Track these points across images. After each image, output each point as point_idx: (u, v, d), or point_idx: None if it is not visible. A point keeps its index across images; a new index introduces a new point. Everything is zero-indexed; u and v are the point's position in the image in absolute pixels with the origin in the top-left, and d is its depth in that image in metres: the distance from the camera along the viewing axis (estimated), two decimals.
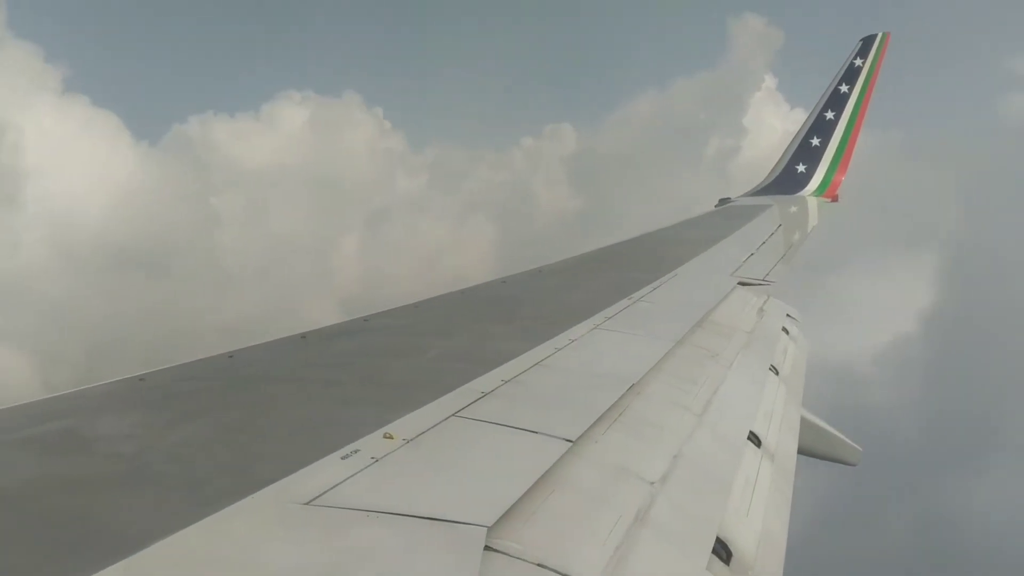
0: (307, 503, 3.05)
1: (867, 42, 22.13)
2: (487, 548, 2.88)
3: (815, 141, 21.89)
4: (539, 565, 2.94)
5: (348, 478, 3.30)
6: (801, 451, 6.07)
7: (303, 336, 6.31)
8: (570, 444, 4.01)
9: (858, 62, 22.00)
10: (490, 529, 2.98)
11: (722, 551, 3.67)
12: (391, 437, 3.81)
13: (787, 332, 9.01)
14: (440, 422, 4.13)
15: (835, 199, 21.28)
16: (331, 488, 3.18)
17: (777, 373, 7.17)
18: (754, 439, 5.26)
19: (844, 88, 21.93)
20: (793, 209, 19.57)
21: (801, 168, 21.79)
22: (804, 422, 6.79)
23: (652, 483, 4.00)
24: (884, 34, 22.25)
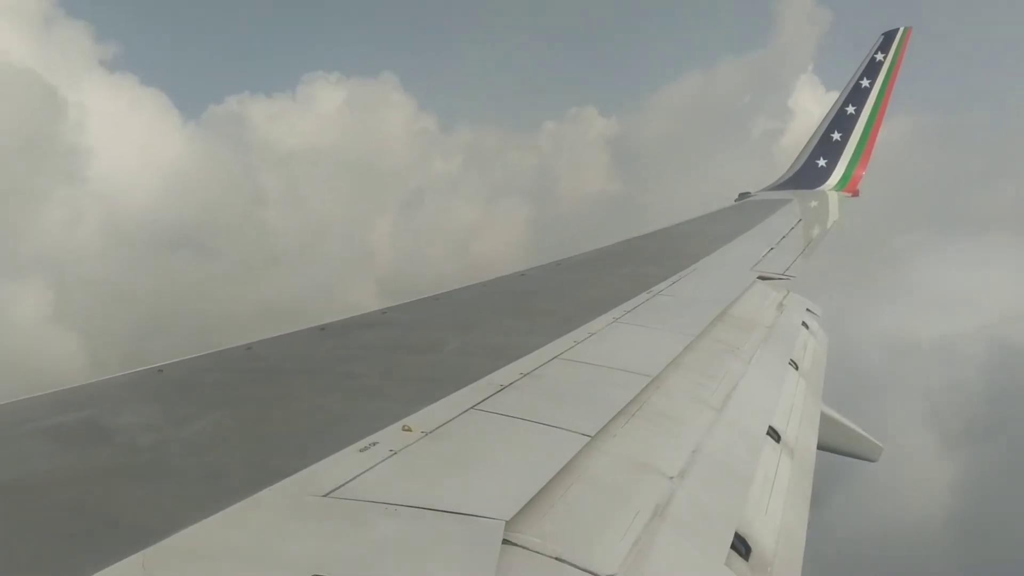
0: (325, 495, 3.05)
1: (888, 37, 21.95)
2: (505, 542, 2.87)
3: (836, 136, 21.73)
4: (557, 559, 2.93)
5: (366, 471, 3.30)
6: (821, 447, 6.02)
7: (321, 328, 6.32)
8: (589, 439, 3.99)
9: (879, 57, 21.82)
10: (508, 523, 2.97)
11: (741, 546, 3.65)
12: (409, 430, 3.81)
13: (807, 327, 8.95)
14: (459, 415, 4.12)
15: (856, 194, 21.13)
16: (349, 480, 3.18)
17: (797, 368, 7.12)
18: (773, 434, 5.22)
19: (865, 83, 21.76)
20: (813, 203, 19.45)
21: (822, 162, 21.65)
22: (824, 417, 6.74)
23: (671, 478, 3.98)
24: (906, 29, 22.06)
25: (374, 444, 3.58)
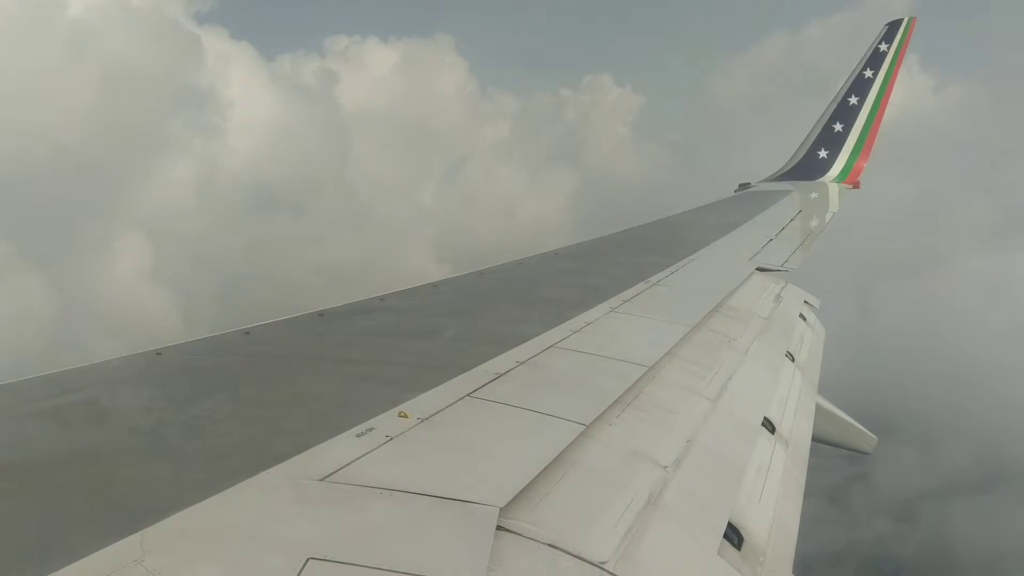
0: (322, 479, 3.08)
1: (892, 27, 21.84)
2: (499, 528, 2.90)
3: (838, 127, 21.67)
4: (551, 546, 2.96)
5: (363, 455, 3.33)
6: (816, 438, 6.05)
7: (320, 314, 6.34)
8: (584, 427, 4.02)
9: (883, 47, 21.72)
10: (503, 510, 3.00)
11: (734, 536, 3.68)
12: (406, 416, 3.83)
13: (804, 319, 8.97)
14: (455, 402, 4.15)
15: (856, 185, 21.08)
16: (346, 465, 3.21)
17: (793, 360, 7.15)
18: (768, 425, 5.25)
19: (868, 73, 21.67)
20: (814, 195, 19.43)
21: (823, 153, 21.59)
22: (819, 409, 6.77)
23: (665, 467, 4.01)
24: (910, 19, 21.96)
25: (371, 430, 3.60)
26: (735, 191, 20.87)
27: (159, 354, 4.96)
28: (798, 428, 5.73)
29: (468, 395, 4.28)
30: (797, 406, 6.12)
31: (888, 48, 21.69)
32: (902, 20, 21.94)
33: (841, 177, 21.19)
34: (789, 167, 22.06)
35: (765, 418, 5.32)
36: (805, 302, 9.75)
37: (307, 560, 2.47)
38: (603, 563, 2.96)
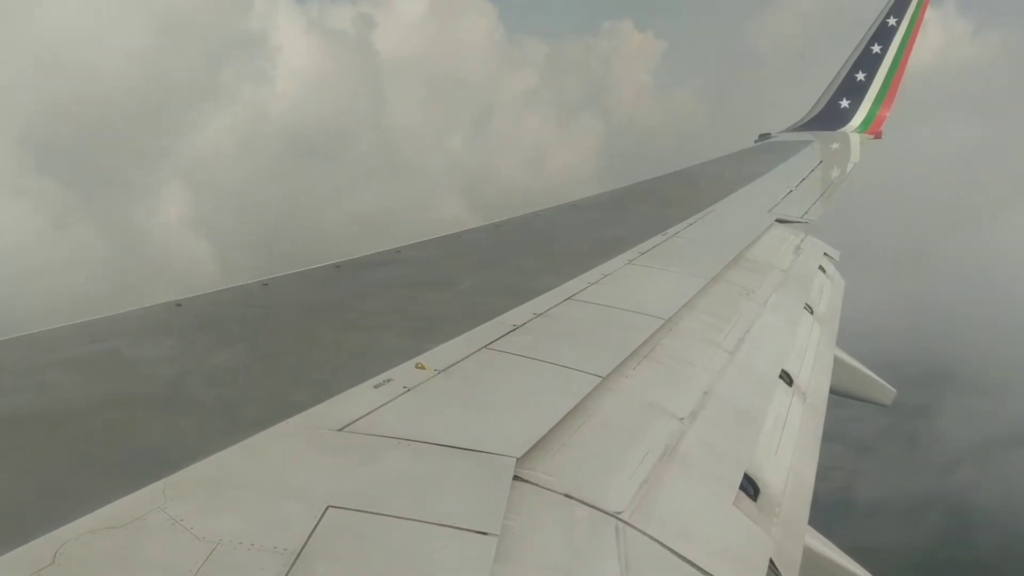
0: (340, 429, 3.10)
1: None
2: (516, 478, 2.92)
3: (860, 75, 21.29)
4: (567, 496, 2.99)
5: (381, 406, 3.35)
6: (833, 391, 6.05)
7: (337, 266, 6.35)
8: (600, 379, 4.03)
9: None
10: (519, 460, 3.02)
11: (750, 487, 3.70)
12: (423, 367, 3.85)
13: (823, 271, 8.92)
14: (472, 354, 4.16)
15: (878, 136, 20.77)
16: (364, 415, 3.23)
17: (812, 312, 7.12)
18: (786, 377, 5.25)
19: (892, 21, 21.23)
20: (835, 146, 19.18)
21: (844, 103, 21.26)
22: (837, 361, 6.75)
23: (681, 419, 4.02)
24: None
25: (388, 381, 3.62)
26: (755, 141, 20.62)
27: (179, 305, 4.99)
28: (816, 380, 5.72)
29: (485, 347, 4.29)
30: (815, 358, 6.10)
31: None
32: None
33: (863, 127, 20.88)
34: (810, 117, 21.74)
35: (783, 370, 5.32)
36: (825, 254, 9.68)
37: (326, 508, 2.50)
38: (619, 513, 2.98)
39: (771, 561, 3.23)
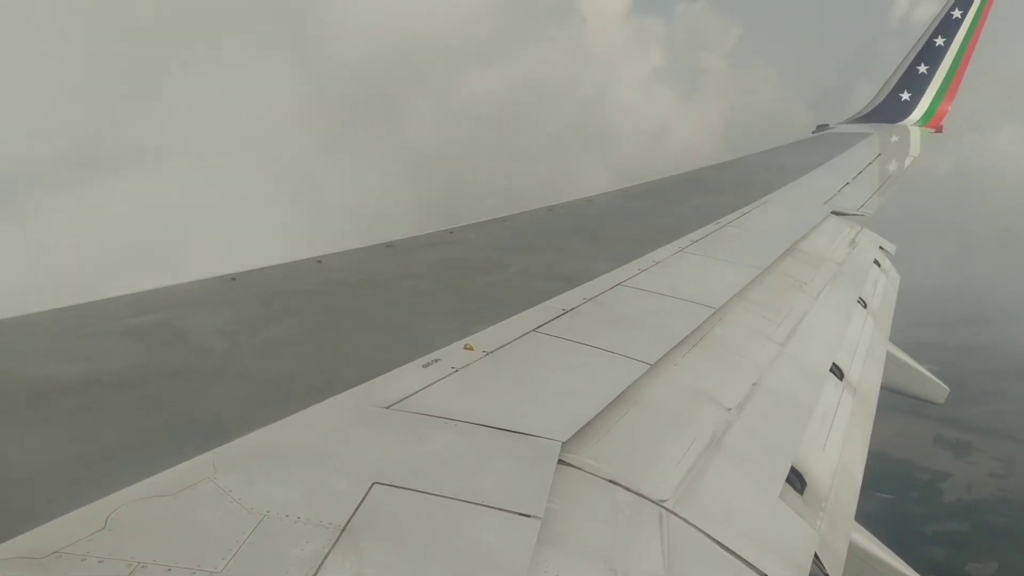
0: (388, 407, 3.13)
1: None
2: (560, 462, 2.92)
3: (922, 68, 20.84)
4: (611, 482, 2.98)
5: (428, 385, 3.37)
6: (885, 387, 5.96)
7: (389, 245, 6.39)
8: (648, 366, 4.01)
9: None
10: (565, 444, 3.02)
11: (796, 481, 3.66)
12: (471, 348, 3.86)
13: (879, 265, 8.77)
14: (520, 336, 4.16)
15: (939, 130, 20.33)
16: (412, 394, 3.26)
17: (865, 306, 7.01)
18: (836, 371, 5.18)
19: (957, 14, 20.74)
20: (894, 139, 18.82)
21: (906, 96, 20.82)
22: (890, 357, 6.65)
23: (729, 409, 3.99)
24: None
25: (436, 361, 3.64)
26: (813, 132, 20.31)
27: (234, 279, 5.06)
28: (867, 375, 5.64)
29: (534, 330, 4.29)
30: (867, 353, 6.01)
31: None
32: None
33: (924, 121, 20.44)
34: (870, 109, 21.34)
35: (834, 364, 5.25)
36: (880, 248, 9.52)
37: (372, 485, 2.53)
38: (663, 501, 2.97)
39: (816, 555, 3.20)
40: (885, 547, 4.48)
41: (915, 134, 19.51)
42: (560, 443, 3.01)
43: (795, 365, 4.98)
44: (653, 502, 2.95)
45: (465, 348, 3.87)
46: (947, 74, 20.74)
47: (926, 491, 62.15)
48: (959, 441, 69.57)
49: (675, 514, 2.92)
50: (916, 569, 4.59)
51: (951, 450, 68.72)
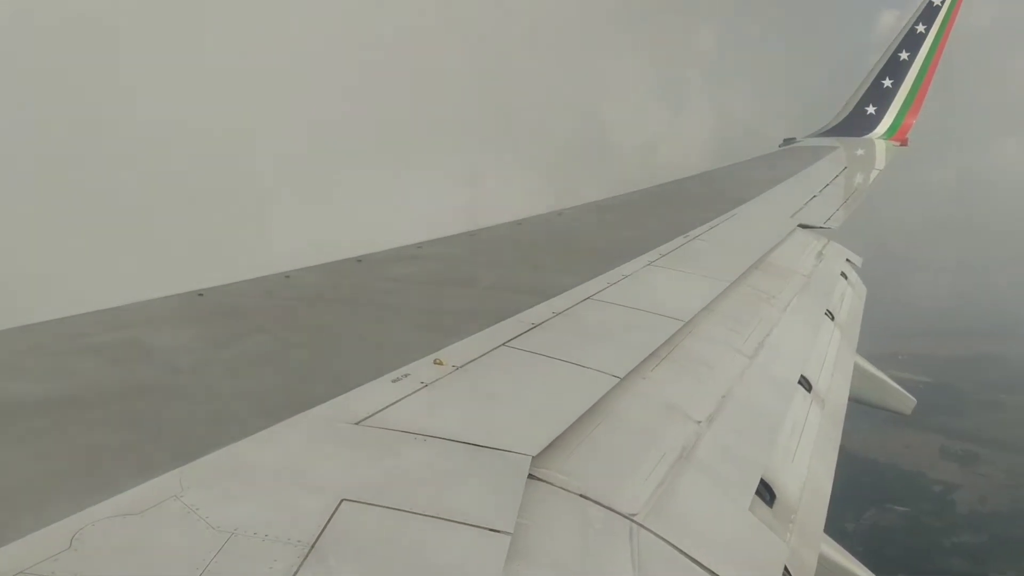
0: (357, 423, 3.11)
1: None
2: (531, 476, 2.92)
3: (887, 82, 21.14)
4: (582, 496, 2.98)
5: (398, 401, 3.35)
6: (853, 398, 6.01)
7: (358, 260, 6.37)
8: (618, 380, 4.01)
9: (937, 1, 21.12)
10: (535, 459, 3.01)
11: (766, 493, 3.68)
12: (441, 363, 3.85)
13: (845, 277, 8.87)
14: (490, 351, 4.15)
15: (904, 143, 20.63)
16: (381, 410, 3.24)
17: (833, 318, 7.08)
18: (805, 383, 5.22)
19: (920, 28, 21.09)
20: (860, 152, 19.06)
21: (871, 109, 21.11)
22: (857, 369, 6.71)
23: (699, 422, 4.00)
24: None
25: (406, 376, 3.63)
26: (779, 146, 20.52)
27: (201, 295, 5.01)
28: (835, 387, 5.69)
29: (503, 344, 4.28)
30: (835, 365, 6.07)
31: (942, 3, 21.09)
32: None
33: (889, 134, 20.73)
34: (836, 123, 21.62)
35: (802, 376, 5.29)
36: (847, 260, 9.62)
37: (341, 501, 2.51)
38: (633, 515, 2.97)
39: (786, 568, 3.21)
40: (854, 559, 4.51)
41: (880, 147, 19.78)
42: (530, 457, 3.00)
43: (764, 377, 5.01)
44: (624, 516, 2.95)
45: (435, 363, 3.86)
46: (911, 88, 21.06)
47: (939, 503, 63.30)
48: (965, 452, 70.76)
49: (646, 528, 2.93)
50: None
51: (957, 461, 69.92)
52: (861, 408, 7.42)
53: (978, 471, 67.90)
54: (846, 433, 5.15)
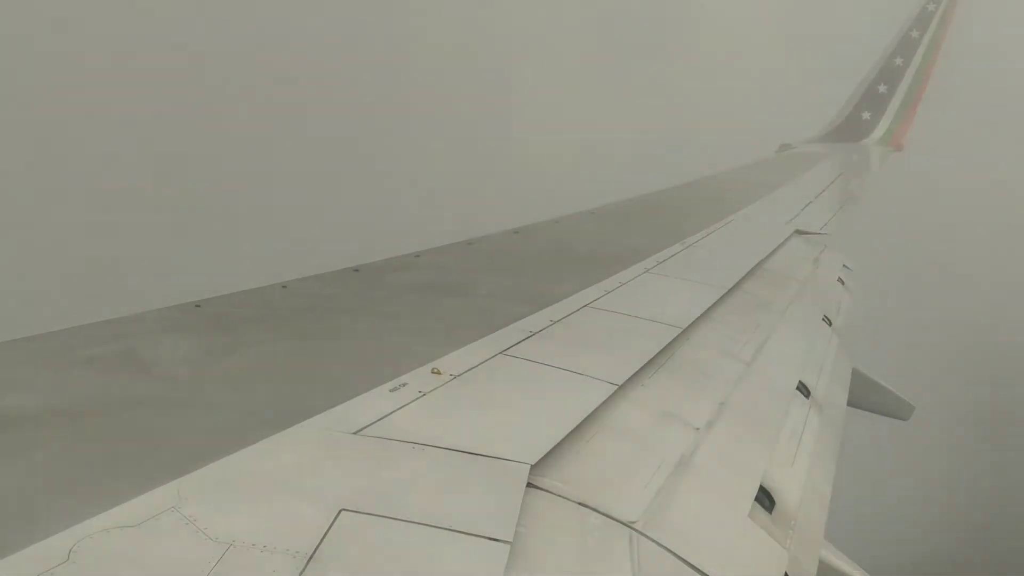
0: (355, 432, 3.11)
1: None
2: (530, 485, 2.91)
3: (882, 88, 21.20)
4: (581, 504, 2.98)
5: (396, 410, 3.35)
6: (851, 404, 6.01)
7: (355, 269, 6.37)
8: (616, 387, 4.01)
9: (931, 7, 21.20)
10: (533, 467, 3.01)
11: (765, 499, 3.68)
12: (439, 372, 3.85)
13: (843, 283, 8.88)
14: (488, 359, 4.15)
15: (900, 149, 20.69)
16: (379, 419, 3.23)
17: (830, 324, 7.09)
18: (803, 389, 5.22)
19: (915, 34, 21.17)
20: (855, 157, 19.10)
21: (866, 115, 21.16)
22: (855, 375, 6.72)
23: (697, 429, 4.00)
24: None
25: (404, 385, 3.63)
26: (775, 152, 20.57)
27: (198, 306, 5.01)
28: (833, 393, 5.69)
29: (501, 352, 4.28)
30: (833, 371, 6.07)
31: (936, 8, 21.17)
32: None
33: (884, 140, 20.80)
34: (831, 128, 21.67)
35: (800, 382, 5.29)
36: (844, 266, 9.64)
37: (340, 512, 2.50)
38: (632, 523, 2.97)
39: (786, 574, 3.21)
40: (855, 564, 4.50)
41: (875, 153, 19.83)
42: (529, 466, 3.00)
43: (762, 384, 5.02)
44: (623, 524, 2.95)
45: (432, 372, 3.85)
46: (907, 94, 21.13)
47: None
48: None
49: (645, 535, 2.92)
50: None
51: None
52: (860, 414, 7.43)
53: None
54: (844, 439, 5.16)
